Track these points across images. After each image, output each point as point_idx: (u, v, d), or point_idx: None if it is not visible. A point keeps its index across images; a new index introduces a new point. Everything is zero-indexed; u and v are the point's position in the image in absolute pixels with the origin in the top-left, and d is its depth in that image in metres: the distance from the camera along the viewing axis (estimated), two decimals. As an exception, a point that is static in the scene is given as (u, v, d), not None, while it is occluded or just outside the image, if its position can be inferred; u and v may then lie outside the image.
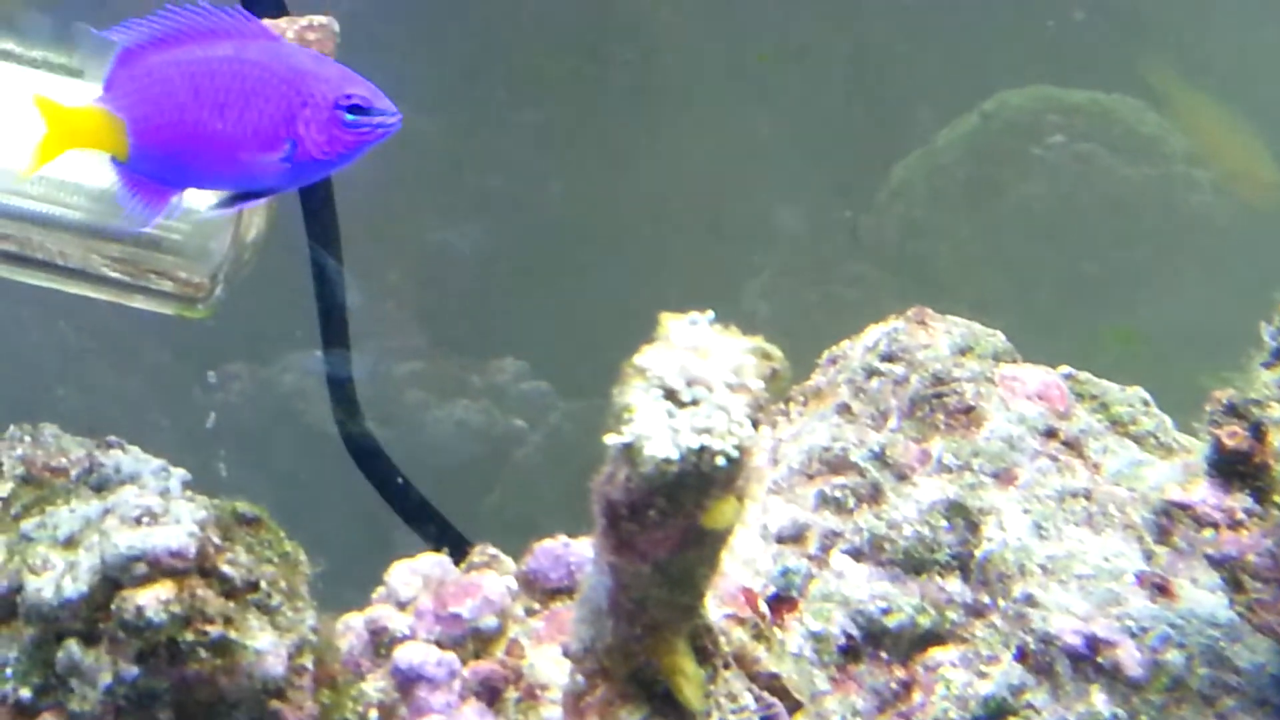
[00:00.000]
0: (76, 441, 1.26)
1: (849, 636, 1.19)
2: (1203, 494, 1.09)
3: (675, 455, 0.80)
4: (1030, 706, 1.13)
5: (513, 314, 2.56)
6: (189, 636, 1.01)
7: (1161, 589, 1.13)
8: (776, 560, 1.24)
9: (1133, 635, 1.11)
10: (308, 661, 1.06)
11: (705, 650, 0.94)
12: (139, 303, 1.29)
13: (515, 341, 2.56)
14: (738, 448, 0.81)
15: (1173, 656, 1.10)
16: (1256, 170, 2.60)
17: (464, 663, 1.18)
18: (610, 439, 0.82)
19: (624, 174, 2.59)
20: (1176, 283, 2.57)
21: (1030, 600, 1.15)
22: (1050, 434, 1.26)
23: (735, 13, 2.67)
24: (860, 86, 2.71)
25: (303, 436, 2.32)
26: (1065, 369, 1.33)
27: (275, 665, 1.03)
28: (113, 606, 1.01)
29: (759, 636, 1.11)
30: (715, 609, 1.08)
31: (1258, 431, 1.04)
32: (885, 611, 1.19)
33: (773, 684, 1.08)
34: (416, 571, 1.23)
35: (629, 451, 0.81)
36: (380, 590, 1.23)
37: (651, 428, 0.80)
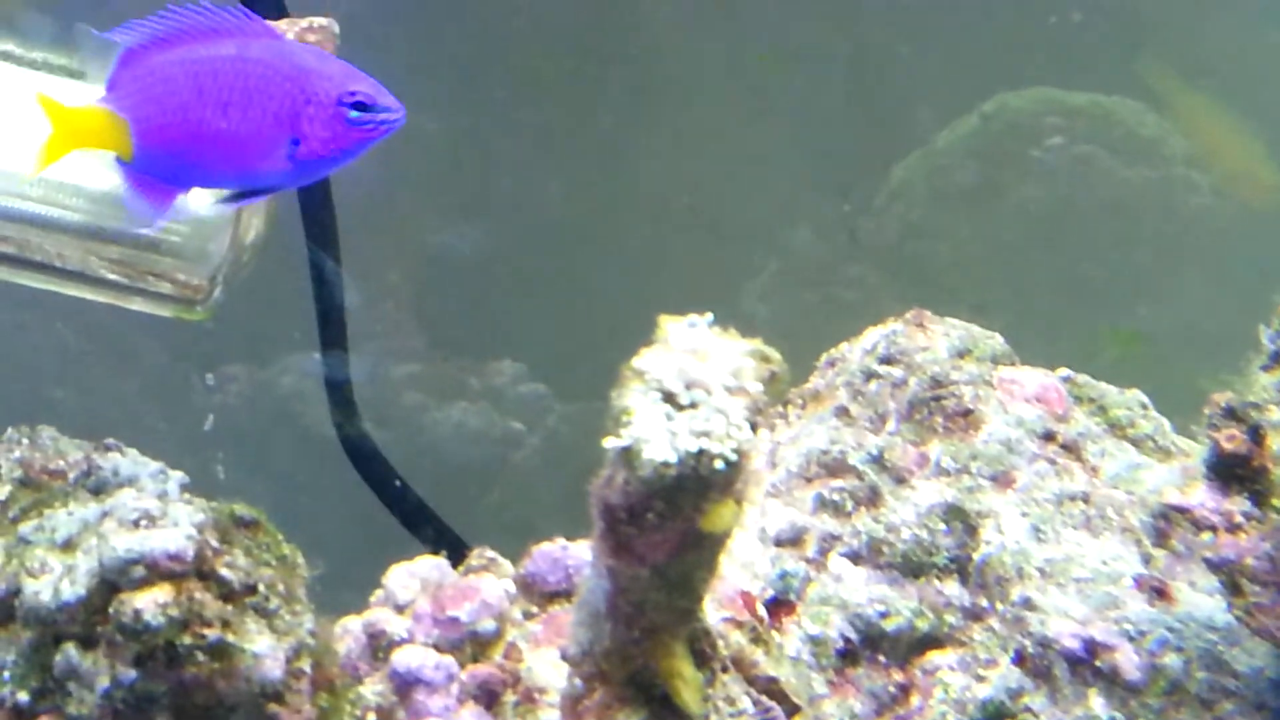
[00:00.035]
0: (74, 444, 1.26)
1: (847, 640, 1.19)
2: (1201, 497, 1.09)
3: (674, 458, 0.80)
4: (1028, 710, 1.12)
5: (511, 316, 2.56)
6: (187, 640, 1.01)
7: (1160, 592, 1.13)
8: (775, 563, 1.24)
9: (1131, 639, 1.11)
10: (306, 665, 1.06)
11: (703, 654, 0.94)
12: (137, 305, 1.29)
13: (513, 344, 2.56)
14: (736, 451, 0.81)
15: (1171, 660, 1.10)
16: (1256, 172, 2.60)
17: (462, 666, 1.17)
18: (608, 442, 0.82)
19: (623, 176, 2.59)
20: (1176, 285, 2.57)
21: (1028, 603, 1.15)
22: (1048, 437, 1.26)
23: (735, 13, 2.67)
24: (860, 88, 2.71)
25: (301, 439, 2.32)
26: (1064, 372, 1.33)
27: (273, 669, 1.03)
28: (110, 610, 1.01)
29: (757, 640, 1.11)
30: (713, 612, 1.08)
31: (1256, 435, 1.03)
32: (883, 615, 1.19)
33: (771, 687, 1.08)
34: (414, 575, 1.23)
35: (627, 454, 0.81)
36: (378, 593, 1.23)
37: (650, 431, 0.80)
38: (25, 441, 1.25)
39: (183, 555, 1.02)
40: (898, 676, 1.18)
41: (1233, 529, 1.06)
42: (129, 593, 1.01)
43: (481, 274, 2.55)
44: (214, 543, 1.04)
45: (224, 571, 1.04)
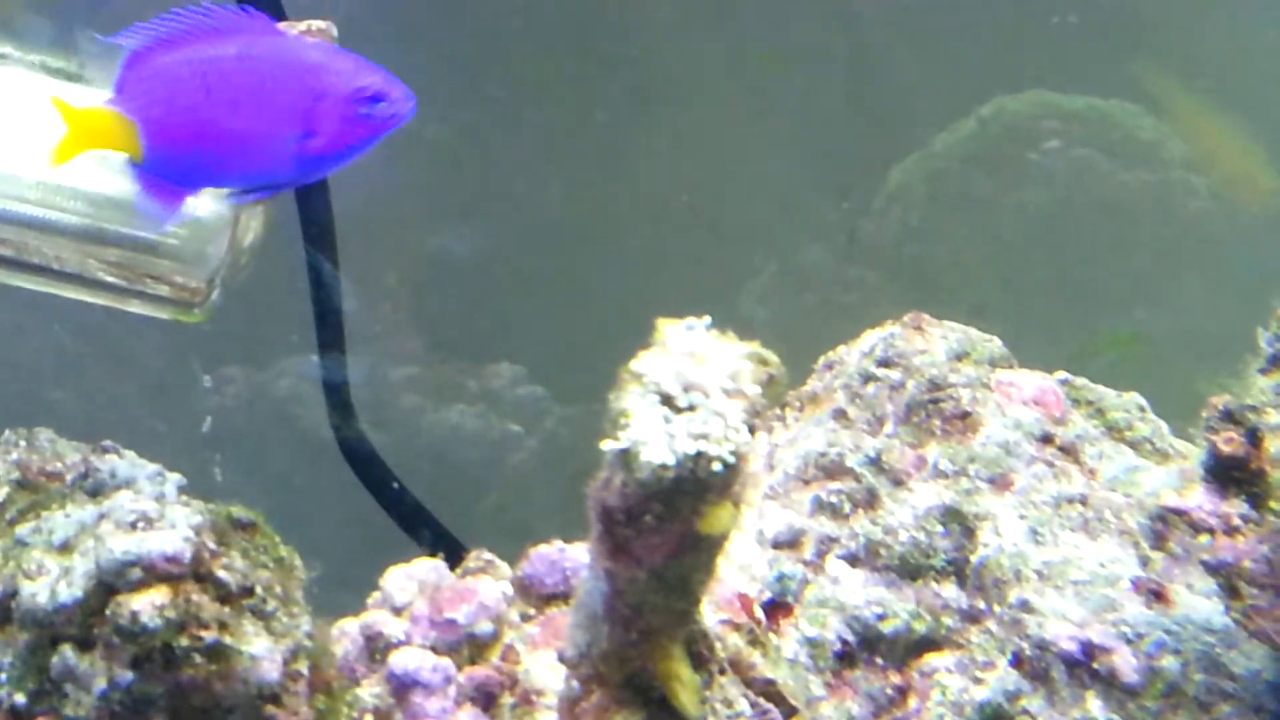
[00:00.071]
0: (72, 446, 1.26)
1: (844, 642, 1.19)
2: (1199, 500, 1.09)
3: (671, 461, 0.80)
4: (1026, 713, 1.12)
5: (509, 318, 2.56)
6: (184, 642, 1.01)
7: (1157, 595, 1.13)
8: (772, 566, 1.24)
9: (1128, 641, 1.11)
10: (303, 667, 1.06)
11: (701, 656, 0.95)
12: (135, 307, 1.29)
13: (511, 346, 2.56)
14: (734, 453, 0.81)
15: (1168, 663, 1.10)
16: (1254, 175, 2.60)
17: (459, 668, 1.17)
18: (606, 444, 0.82)
19: (622, 177, 2.59)
20: (1174, 288, 2.57)
21: (1026, 606, 1.15)
22: (1046, 440, 1.26)
23: (735, 13, 2.67)
24: (858, 90, 2.71)
25: (298, 441, 2.32)
26: (1061, 374, 1.33)
27: (270, 671, 1.03)
28: (108, 612, 1.01)
29: (755, 642, 1.11)
30: (711, 614, 1.08)
31: (1254, 437, 1.04)
32: (881, 617, 1.19)
33: (768, 690, 1.08)
34: (412, 577, 1.22)
35: (625, 457, 0.81)
36: (375, 595, 1.23)
37: (648, 433, 0.80)
38: (23, 443, 1.25)
39: (180, 557, 1.02)
40: (895, 679, 1.18)
41: (1230, 532, 1.06)
42: (126, 595, 1.01)
43: (479, 276, 2.55)
44: (211, 545, 1.04)
45: (221, 573, 1.04)
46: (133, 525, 1.04)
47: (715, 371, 0.82)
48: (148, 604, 1.00)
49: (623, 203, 2.59)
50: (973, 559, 1.20)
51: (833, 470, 1.28)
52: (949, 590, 1.20)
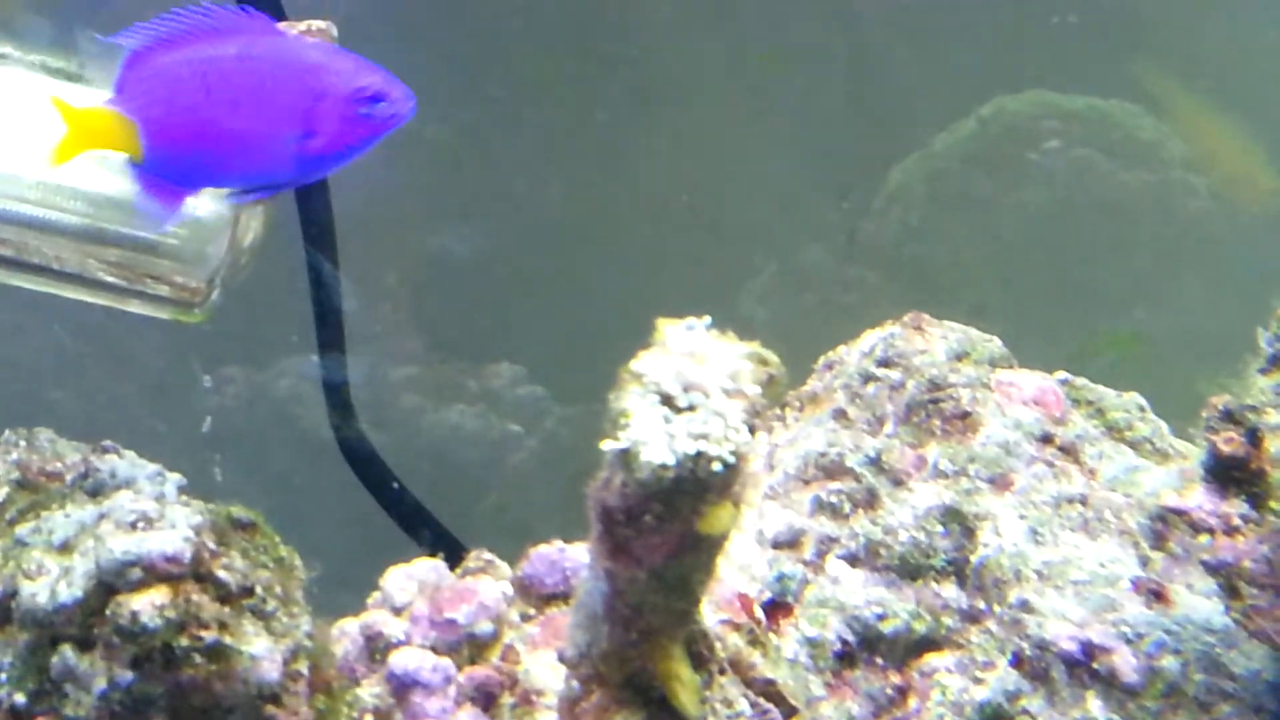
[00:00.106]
0: (72, 446, 1.26)
1: (844, 642, 1.19)
2: (1199, 500, 1.09)
3: (671, 461, 0.80)
4: (1026, 713, 1.12)
5: (509, 318, 2.56)
6: (184, 642, 1.00)
7: (1157, 595, 1.13)
8: (772, 566, 1.24)
9: (1128, 641, 1.11)
10: (303, 667, 1.06)
11: (701, 656, 0.94)
12: (135, 307, 1.29)
13: (511, 346, 2.56)
14: (734, 453, 0.81)
15: (1168, 663, 1.10)
16: (1254, 175, 2.60)
17: (459, 668, 1.17)
18: (606, 444, 0.82)
19: (622, 177, 2.59)
20: (1174, 288, 2.57)
21: (1026, 606, 1.15)
22: (1046, 440, 1.26)
23: (735, 13, 2.67)
24: (858, 90, 2.71)
25: (298, 441, 2.32)
26: (1061, 374, 1.33)
27: (270, 671, 1.03)
28: (108, 612, 1.01)
29: (755, 642, 1.11)
30: (711, 614, 1.08)
31: (1254, 437, 1.04)
32: (881, 617, 1.19)
33: (768, 690, 1.08)
34: (412, 577, 1.22)
35: (625, 457, 0.81)
36: (375, 595, 1.23)
37: (648, 433, 0.80)
38: (23, 443, 1.25)
39: (180, 557, 1.02)
40: (895, 679, 1.18)
41: (1230, 532, 1.06)
42: (126, 595, 1.01)
43: (479, 276, 2.55)
44: (211, 545, 1.04)
45: (221, 573, 1.03)
46: (133, 525, 1.04)
47: (715, 371, 0.82)
48: (148, 604, 1.00)
49: (623, 203, 2.59)
50: (973, 559, 1.20)
51: (833, 470, 1.28)
52: (949, 590, 1.20)
